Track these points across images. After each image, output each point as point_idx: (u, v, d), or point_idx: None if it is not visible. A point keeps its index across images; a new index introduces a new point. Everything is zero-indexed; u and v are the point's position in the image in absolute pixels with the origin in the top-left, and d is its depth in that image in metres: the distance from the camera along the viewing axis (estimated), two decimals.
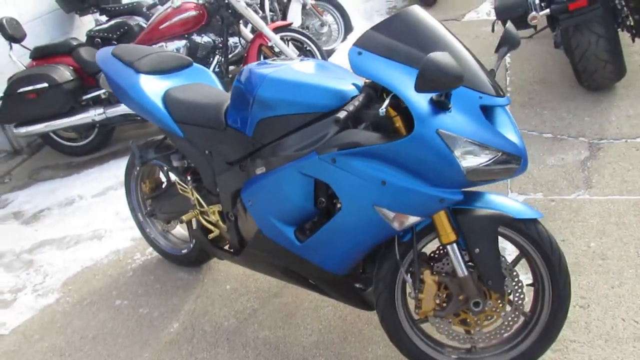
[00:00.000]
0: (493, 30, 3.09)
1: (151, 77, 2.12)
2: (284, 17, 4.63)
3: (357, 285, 1.82)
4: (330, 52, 4.76)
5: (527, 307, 1.66)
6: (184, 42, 3.83)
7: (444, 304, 1.62)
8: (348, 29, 4.91)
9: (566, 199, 2.42)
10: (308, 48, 4.06)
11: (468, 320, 1.64)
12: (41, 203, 3.52)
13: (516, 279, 1.60)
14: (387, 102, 1.34)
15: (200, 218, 2.15)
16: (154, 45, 3.81)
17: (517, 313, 1.62)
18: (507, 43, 1.61)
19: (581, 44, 2.83)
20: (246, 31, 3.99)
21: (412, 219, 1.49)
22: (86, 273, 2.73)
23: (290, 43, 4.08)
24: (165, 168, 2.28)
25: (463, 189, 1.51)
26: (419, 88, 1.24)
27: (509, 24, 1.64)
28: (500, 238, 1.55)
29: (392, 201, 1.45)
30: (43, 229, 3.23)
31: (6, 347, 2.34)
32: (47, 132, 3.86)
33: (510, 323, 1.63)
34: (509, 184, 2.59)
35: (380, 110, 1.31)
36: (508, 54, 3.85)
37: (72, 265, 2.82)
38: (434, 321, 1.65)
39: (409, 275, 1.62)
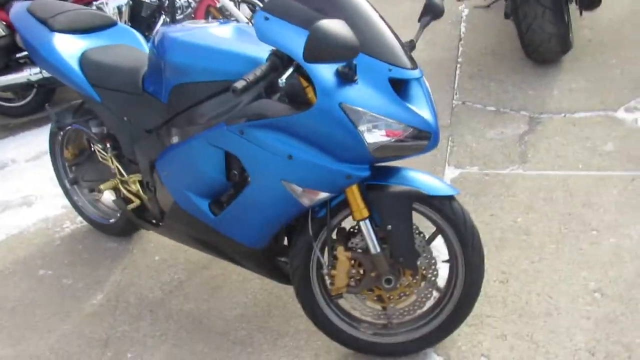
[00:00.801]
0: None
1: (67, 36, 1.98)
2: None
3: (282, 259, 1.78)
4: None
5: (443, 283, 1.67)
6: (125, 0, 3.62)
7: (359, 281, 1.60)
8: None
9: (500, 173, 2.42)
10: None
11: (382, 296, 1.63)
12: None
13: (429, 256, 1.59)
14: (288, 71, 1.27)
15: (121, 187, 2.07)
16: (94, 2, 3.60)
17: (430, 289, 1.62)
18: (430, 12, 1.55)
19: (528, 15, 2.79)
20: None
21: (322, 195, 1.44)
22: (11, 241, 2.62)
23: (242, 5, 3.92)
24: (85, 134, 2.17)
25: (376, 165, 1.48)
26: (307, 58, 1.16)
27: None
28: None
29: (299, 176, 1.40)
30: None
31: None
32: None
33: (424, 299, 1.63)
34: (446, 157, 2.58)
35: (280, 80, 1.24)
36: (463, 24, 3.82)
37: None
38: (349, 297, 1.63)
39: (322, 251, 1.58)
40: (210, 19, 3.74)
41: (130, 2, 3.65)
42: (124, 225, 2.36)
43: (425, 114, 1.36)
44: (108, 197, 2.52)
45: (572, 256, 1.95)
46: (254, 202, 1.52)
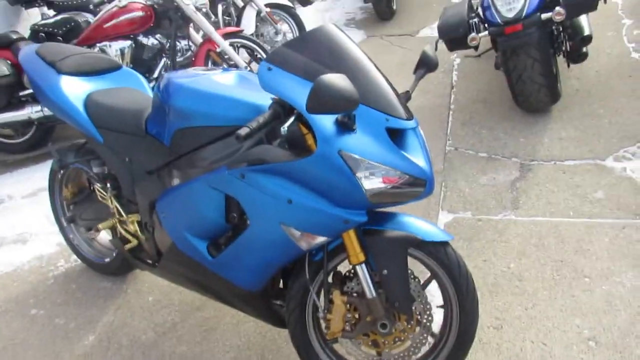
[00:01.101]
0: (436, 49, 3.14)
1: (74, 78, 2.04)
2: (239, 24, 4.59)
3: (277, 302, 1.79)
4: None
5: (438, 329, 1.67)
6: (129, 42, 3.73)
7: (354, 325, 1.61)
8: None
9: (493, 219, 2.46)
10: (259, 56, 4.03)
11: (377, 341, 1.63)
12: None
13: (424, 301, 1.60)
14: (290, 120, 1.32)
15: (119, 227, 2.08)
16: (97, 45, 3.71)
17: (425, 335, 1.62)
18: (424, 65, 1.62)
19: (517, 66, 2.90)
20: (196, 35, 3.92)
21: (319, 239, 1.47)
22: (4, 279, 2.60)
23: (241, 50, 4.04)
24: (86, 174, 2.20)
25: (374, 210, 1.51)
26: (310, 109, 1.22)
27: (427, 47, 1.65)
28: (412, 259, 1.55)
29: (298, 220, 1.43)
30: None
31: None
32: None
33: (419, 345, 1.63)
34: (440, 202, 2.62)
35: (282, 128, 1.29)
36: (455, 72, 3.96)
37: None
38: (344, 342, 1.63)
39: (318, 295, 1.60)
40: (210, 63, 3.84)
41: (133, 45, 3.76)
42: (119, 265, 2.36)
43: (421, 162, 1.41)
44: (104, 236, 2.53)
45: (565, 303, 1.97)
46: (253, 244, 1.54)
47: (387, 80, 1.48)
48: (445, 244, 1.58)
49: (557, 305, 1.96)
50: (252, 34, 4.45)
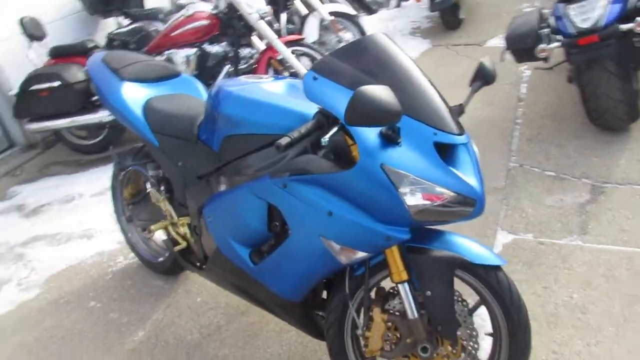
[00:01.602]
0: (502, 59, 3.00)
1: (134, 84, 2.13)
2: (302, 32, 4.63)
3: (319, 313, 1.76)
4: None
5: (486, 358, 1.57)
6: (194, 50, 3.87)
7: (394, 345, 1.54)
8: None
9: (556, 243, 2.29)
10: None
11: None
12: (43, 198, 3.60)
13: (471, 327, 1.50)
14: (332, 131, 1.29)
15: (170, 229, 2.14)
16: (165, 52, 3.88)
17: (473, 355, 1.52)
18: (481, 77, 1.54)
19: (592, 81, 2.70)
20: (259, 43, 3.99)
21: (360, 254, 1.42)
22: (69, 272, 2.76)
23: (303, 58, 4.08)
24: (142, 176, 2.29)
25: (421, 227, 1.44)
26: (348, 121, 1.18)
27: (486, 58, 1.56)
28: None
29: (338, 233, 1.39)
30: (39, 224, 3.29)
31: None
32: (56, 129, 3.96)
33: None
34: (499, 221, 2.48)
35: (323, 139, 1.26)
36: (524, 85, 3.76)
37: (58, 262, 2.85)
38: (388, 357, 1.56)
39: (358, 311, 1.55)
40: (271, 70, 3.90)
41: (198, 52, 3.89)
42: (171, 265, 2.42)
43: (471, 180, 1.33)
44: (159, 236, 2.61)
45: (636, 344, 1.77)
46: (293, 254, 1.52)
47: (438, 92, 1.41)
48: (496, 268, 1.48)
49: (625, 345, 1.78)
50: (314, 42, 4.48)
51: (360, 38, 1.44)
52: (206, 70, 3.94)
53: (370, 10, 5.24)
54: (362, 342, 1.57)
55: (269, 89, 1.65)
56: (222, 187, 1.72)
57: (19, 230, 3.26)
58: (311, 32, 4.59)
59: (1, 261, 2.98)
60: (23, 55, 3.90)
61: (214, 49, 3.92)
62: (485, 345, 1.57)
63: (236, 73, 4.01)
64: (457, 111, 1.49)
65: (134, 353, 2.15)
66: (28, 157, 4.35)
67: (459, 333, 1.48)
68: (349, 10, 4.81)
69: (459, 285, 1.48)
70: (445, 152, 1.35)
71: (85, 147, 4.13)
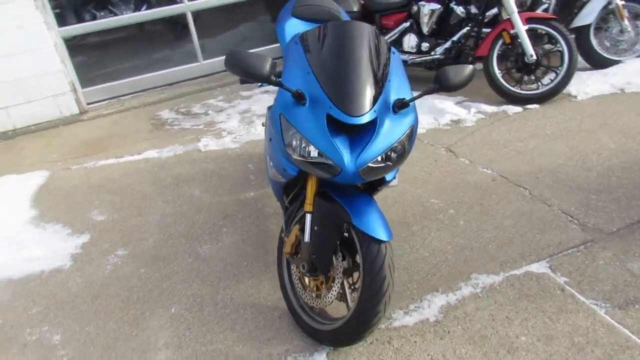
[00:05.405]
0: None
1: (297, 21, 2.75)
2: (579, 10, 4.19)
3: None
4: (614, 63, 4.13)
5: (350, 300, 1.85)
6: (439, 6, 4.15)
7: (295, 255, 1.96)
8: None
9: None
10: (559, 48, 3.75)
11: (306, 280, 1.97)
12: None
13: (338, 274, 1.80)
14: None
15: None
16: (418, 2, 4.26)
17: (332, 296, 1.84)
18: (438, 82, 1.66)
19: None
20: (505, 14, 3.95)
21: (279, 176, 1.92)
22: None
23: (546, 37, 3.86)
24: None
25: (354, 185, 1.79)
26: (225, 65, 1.59)
27: (452, 67, 1.65)
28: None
29: (270, 155, 1.92)
30: None
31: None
32: None
33: (329, 301, 1.85)
34: None
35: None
36: None
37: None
38: (291, 261, 1.98)
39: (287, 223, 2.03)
40: (500, 42, 3.85)
41: (441, 9, 4.16)
42: None
43: (344, 152, 1.58)
44: None
45: None
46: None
47: (375, 76, 1.64)
48: (376, 240, 1.68)
49: None
50: (590, 26, 4.06)
51: (337, 22, 1.79)
52: (445, 27, 4.18)
53: None
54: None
55: None
56: None
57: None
58: (588, 14, 4.13)
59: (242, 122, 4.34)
60: None
61: (459, 9, 4.09)
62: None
63: (477, 37, 4.11)
64: (397, 104, 1.67)
65: None
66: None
67: (329, 273, 1.82)
68: None
69: None
70: (373, 126, 1.61)
71: None
